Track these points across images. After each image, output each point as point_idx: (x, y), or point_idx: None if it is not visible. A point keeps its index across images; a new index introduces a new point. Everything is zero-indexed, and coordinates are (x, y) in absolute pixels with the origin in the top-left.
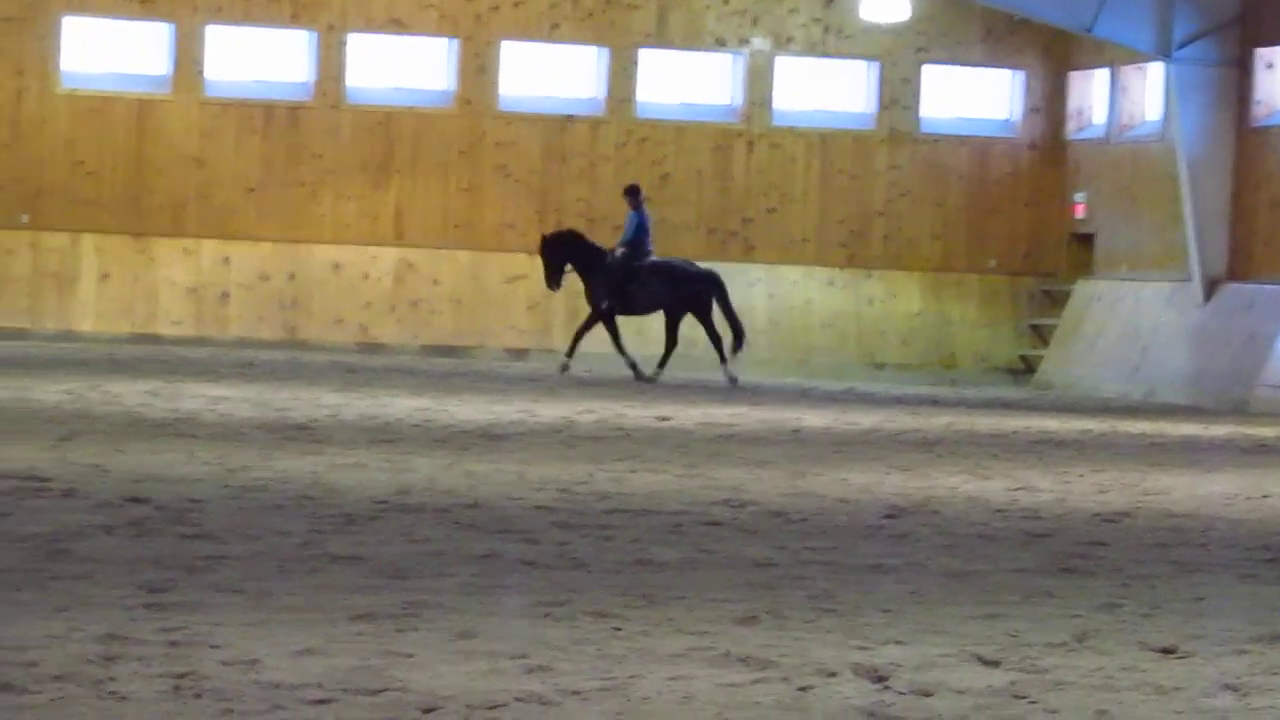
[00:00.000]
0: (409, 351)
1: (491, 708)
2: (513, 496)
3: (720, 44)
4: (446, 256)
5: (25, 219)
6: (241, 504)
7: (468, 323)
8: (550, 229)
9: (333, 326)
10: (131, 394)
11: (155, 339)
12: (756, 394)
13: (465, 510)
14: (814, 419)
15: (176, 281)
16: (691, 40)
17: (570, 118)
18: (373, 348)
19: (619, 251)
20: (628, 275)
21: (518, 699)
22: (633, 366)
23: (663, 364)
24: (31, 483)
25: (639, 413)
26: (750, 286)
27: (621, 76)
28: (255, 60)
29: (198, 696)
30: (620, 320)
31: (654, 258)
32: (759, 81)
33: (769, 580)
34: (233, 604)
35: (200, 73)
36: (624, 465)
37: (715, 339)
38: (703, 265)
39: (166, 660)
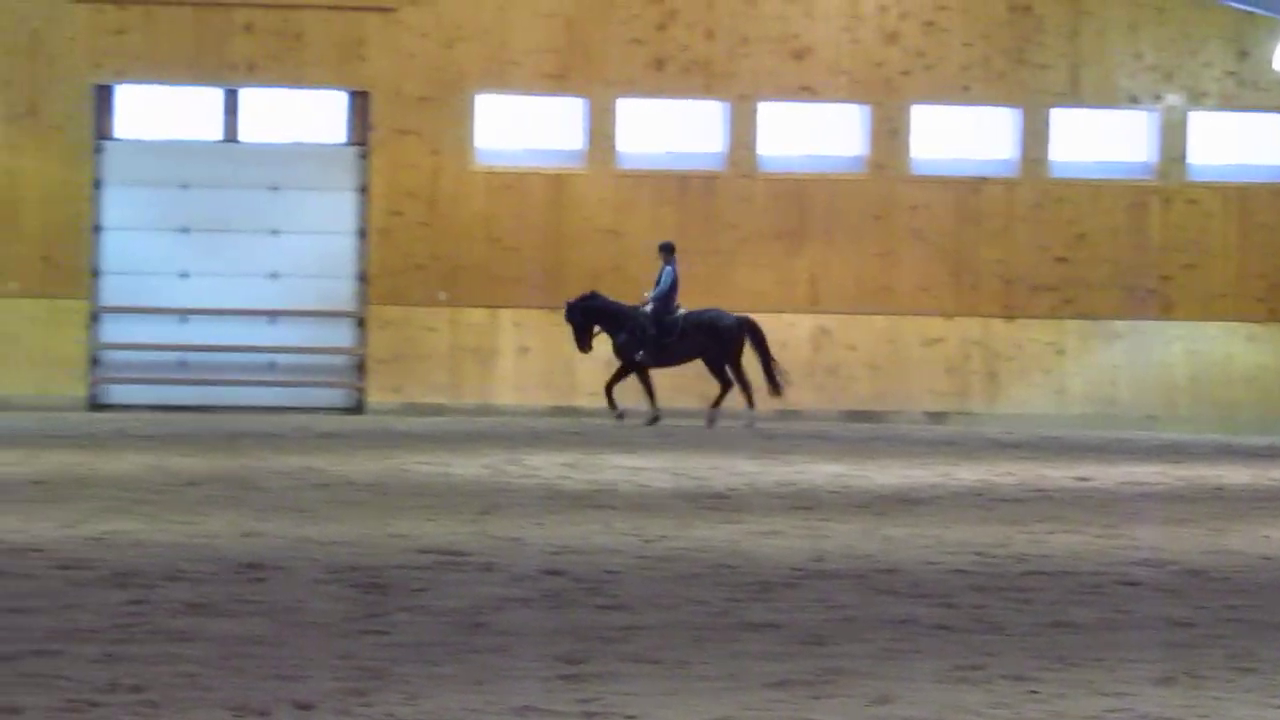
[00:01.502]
0: (827, 417)
1: None
2: (929, 561)
3: (1133, 101)
4: (863, 321)
5: (444, 296)
6: (658, 574)
7: (885, 387)
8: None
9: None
10: (550, 466)
11: (574, 411)
12: (1178, 452)
13: (882, 575)
14: (1236, 475)
15: (594, 353)
16: (1104, 98)
17: (983, 179)
18: (790, 414)
19: (648, 306)
20: (662, 329)
21: None
22: (654, 418)
23: (717, 403)
24: (451, 557)
25: (1059, 474)
26: (1169, 344)
27: (1034, 136)
28: (667, 132)
29: None
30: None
31: (684, 310)
32: (1173, 137)
33: (1188, 640)
34: (648, 674)
35: (613, 146)
36: (1043, 527)
37: (745, 385)
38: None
39: None
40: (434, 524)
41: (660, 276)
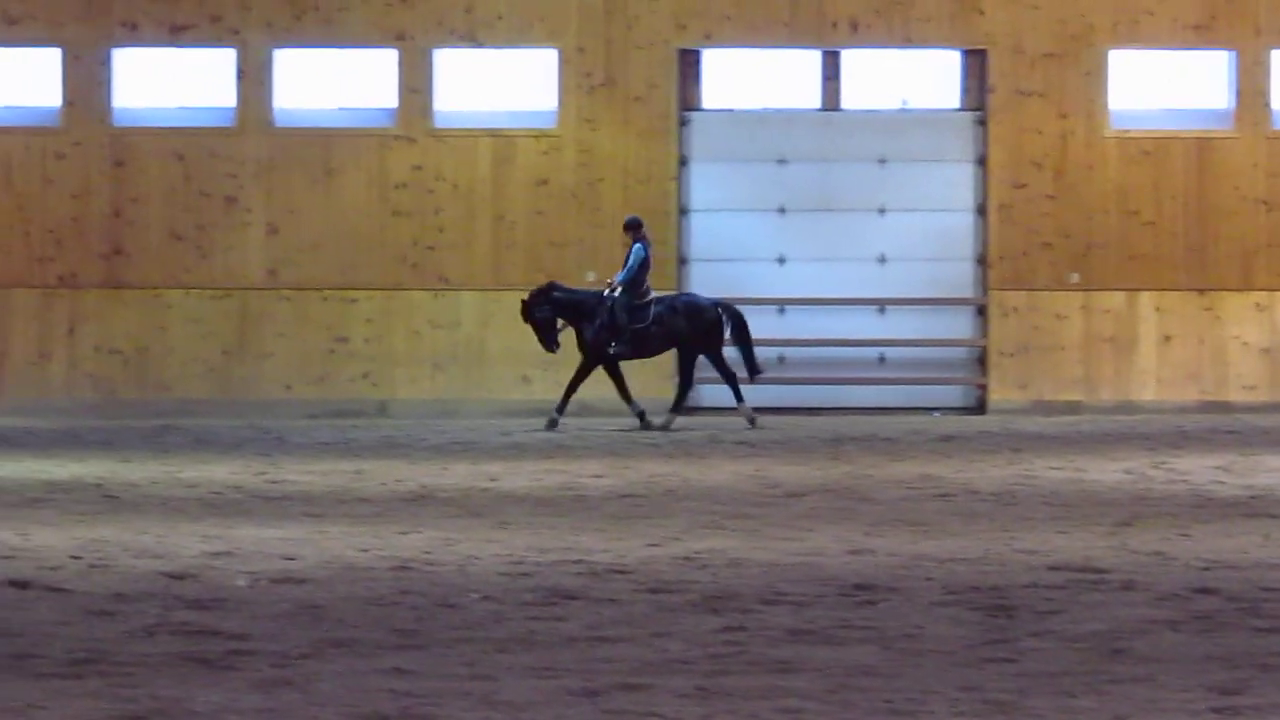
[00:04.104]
0: None
1: None
2: None
3: None
4: None
5: (1075, 279)
6: None
7: None
8: None
9: None
10: (1199, 470)
11: (1225, 407)
12: None
13: None
14: None
15: (1249, 341)
16: None
17: None
18: None
19: (615, 291)
20: (634, 315)
21: None
22: (640, 415)
23: (676, 407)
24: (1087, 575)
25: None
26: None
27: None
28: None
29: None
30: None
31: (656, 293)
32: None
33: None
34: None
35: (1267, 104)
36: None
37: (730, 377)
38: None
39: None
40: (1066, 537)
41: (628, 257)
